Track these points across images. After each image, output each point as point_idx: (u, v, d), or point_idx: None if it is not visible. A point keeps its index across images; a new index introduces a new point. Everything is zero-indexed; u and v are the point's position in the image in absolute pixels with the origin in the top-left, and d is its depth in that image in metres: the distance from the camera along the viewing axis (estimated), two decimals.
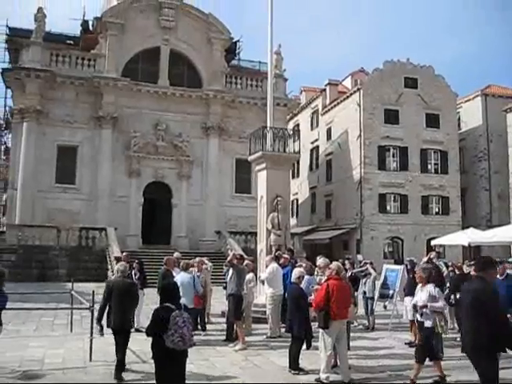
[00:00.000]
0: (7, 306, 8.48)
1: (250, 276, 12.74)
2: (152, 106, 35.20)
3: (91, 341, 9.92)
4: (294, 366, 9.28)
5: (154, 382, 6.16)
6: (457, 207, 42.44)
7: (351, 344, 10.91)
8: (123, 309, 8.95)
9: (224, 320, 13.15)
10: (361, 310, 14.71)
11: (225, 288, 13.07)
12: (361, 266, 16.28)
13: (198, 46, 37.42)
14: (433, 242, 27.31)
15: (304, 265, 12.05)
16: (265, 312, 13.25)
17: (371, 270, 14.96)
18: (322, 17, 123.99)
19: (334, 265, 9.23)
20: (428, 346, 8.56)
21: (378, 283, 15.27)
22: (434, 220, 41.33)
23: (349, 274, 13.92)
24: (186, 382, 6.17)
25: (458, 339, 12.73)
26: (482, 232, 23.83)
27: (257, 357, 10.59)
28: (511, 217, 39.19)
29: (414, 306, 8.94)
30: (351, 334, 11.33)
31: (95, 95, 34.26)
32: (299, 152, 17.25)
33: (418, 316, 8.81)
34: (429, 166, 42.50)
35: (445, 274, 14.57)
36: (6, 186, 40.78)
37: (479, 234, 23.03)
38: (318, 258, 12.06)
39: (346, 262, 14.76)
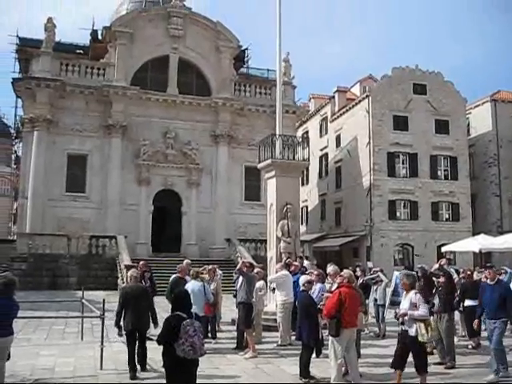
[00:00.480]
0: (18, 315, 8.52)
1: (260, 284, 12.71)
2: (161, 115, 35.35)
3: (102, 349, 9.92)
4: (305, 373, 9.23)
5: None
6: (467, 213, 42.19)
7: (362, 352, 10.85)
8: (138, 311, 9.65)
9: (234, 328, 13.13)
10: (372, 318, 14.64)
11: (235, 296, 13.05)
12: (371, 274, 16.21)
13: (206, 54, 37.56)
14: (443, 249, 27.18)
15: (315, 272, 12.00)
16: (275, 320, 13.21)
17: (382, 277, 14.90)
18: (330, 24, 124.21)
19: (346, 273, 9.18)
20: (419, 356, 8.36)
21: (389, 290, 15.19)
22: (445, 226, 41.09)
23: (360, 281, 13.89)
24: None
25: (470, 347, 12.68)
26: (493, 238, 23.73)
27: (267, 365, 10.56)
28: None
29: (396, 315, 8.73)
30: (362, 342, 11.26)
31: (105, 104, 34.43)
32: (308, 159, 17.22)
33: (401, 325, 8.55)
34: (438, 173, 42.30)
35: (456, 281, 14.47)
36: (17, 194, 41.06)
37: (490, 240, 22.93)
38: (328, 265, 12.02)
39: (357, 269, 14.73)
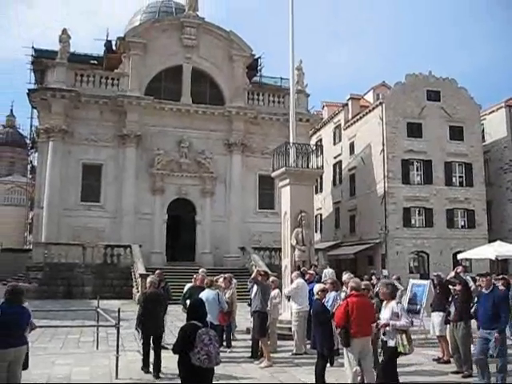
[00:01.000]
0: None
1: (275, 292, 12.68)
2: (175, 124, 35.51)
3: (117, 358, 9.95)
4: (320, 382, 9.17)
5: None
6: (483, 220, 41.84)
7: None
8: (156, 315, 10.45)
9: (249, 337, 13.09)
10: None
11: (249, 304, 13.03)
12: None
13: (219, 63, 37.74)
14: (459, 256, 26.93)
15: (329, 280, 11.96)
16: (290, 328, 13.16)
17: (398, 285, 14.81)
18: (342, 32, 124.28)
19: (353, 282, 9.09)
20: (390, 368, 8.09)
21: (406, 298, 15.09)
22: (460, 233, 40.77)
23: (376, 289, 13.81)
24: None
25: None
26: (510, 245, 23.45)
27: (283, 374, 10.51)
28: None
29: (377, 325, 8.41)
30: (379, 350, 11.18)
31: (119, 114, 34.68)
32: (322, 167, 17.18)
33: (382, 336, 8.27)
34: (453, 179, 42.02)
35: (472, 289, 14.34)
36: (33, 204, 41.39)
37: (506, 247, 22.68)
38: (343, 273, 11.98)
39: (373, 277, 14.67)
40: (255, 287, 12.32)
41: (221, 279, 13.90)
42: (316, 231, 40.29)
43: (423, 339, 14.05)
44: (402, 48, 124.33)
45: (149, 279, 11.09)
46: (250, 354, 12.09)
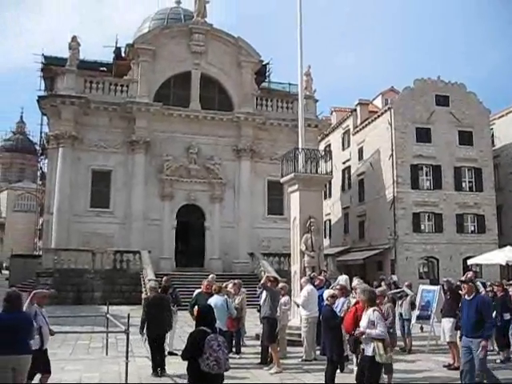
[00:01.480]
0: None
1: (284, 299, 12.68)
2: (184, 130, 35.57)
3: (127, 364, 9.94)
4: None
5: None
6: (493, 225, 41.60)
7: None
8: (159, 317, 10.92)
9: (258, 343, 13.08)
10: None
11: (259, 311, 13.01)
12: (395, 288, 16.08)
13: (228, 69, 37.81)
14: (469, 262, 26.81)
15: (338, 286, 11.94)
16: (299, 335, 13.14)
17: (408, 291, 14.75)
18: (349, 36, 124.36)
19: (360, 288, 9.04)
20: (372, 378, 7.77)
21: (417, 305, 15.02)
22: (470, 239, 40.55)
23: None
24: None
25: (498, 361, 12.48)
26: None
27: (292, 380, 10.49)
28: None
29: (352, 334, 8.27)
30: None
31: (128, 120, 34.80)
32: (331, 173, 17.15)
33: (360, 344, 8.05)
34: (463, 184, 41.83)
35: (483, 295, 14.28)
36: (42, 210, 41.58)
37: None
38: (353, 279, 11.95)
39: (382, 283, 14.61)
40: (264, 293, 12.31)
41: (230, 285, 13.91)
42: (325, 237, 40.20)
43: (434, 345, 13.99)
44: (410, 53, 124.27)
45: (149, 285, 11.43)
46: (259, 360, 12.08)
